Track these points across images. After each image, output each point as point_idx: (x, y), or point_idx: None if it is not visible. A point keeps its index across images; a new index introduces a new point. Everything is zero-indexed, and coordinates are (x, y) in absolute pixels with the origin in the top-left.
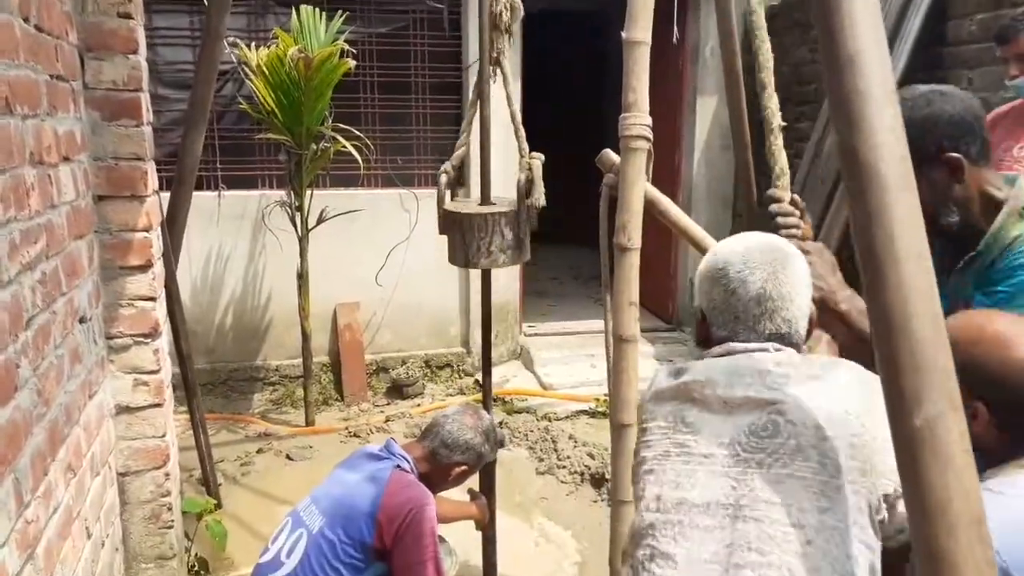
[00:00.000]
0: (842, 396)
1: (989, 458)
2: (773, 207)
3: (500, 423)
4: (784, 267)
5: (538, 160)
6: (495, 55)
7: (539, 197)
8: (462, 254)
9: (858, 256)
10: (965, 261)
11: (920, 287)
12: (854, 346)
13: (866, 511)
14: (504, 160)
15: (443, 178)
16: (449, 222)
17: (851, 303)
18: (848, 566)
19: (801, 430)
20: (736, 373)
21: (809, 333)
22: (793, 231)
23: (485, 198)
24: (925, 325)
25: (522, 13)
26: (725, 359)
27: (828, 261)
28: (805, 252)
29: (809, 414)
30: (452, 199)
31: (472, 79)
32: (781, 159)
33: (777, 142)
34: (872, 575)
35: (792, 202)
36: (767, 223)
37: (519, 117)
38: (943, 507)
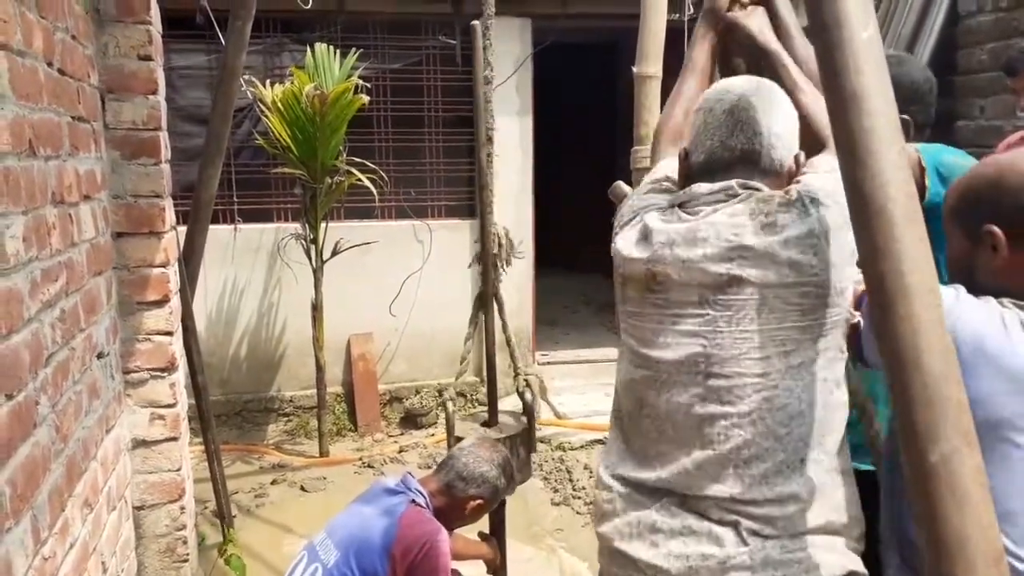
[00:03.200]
0: (800, 239)
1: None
2: None
3: None
4: (760, 88)
5: (535, 377)
6: (493, 291)
7: (538, 415)
8: None
9: (867, 290)
10: None
11: (930, 321)
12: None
13: (836, 334)
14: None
15: (450, 406)
16: None
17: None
18: (813, 391)
19: (764, 281)
20: (694, 238)
21: (795, 172)
22: None
23: (492, 420)
24: (936, 359)
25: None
26: (684, 224)
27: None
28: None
29: (770, 265)
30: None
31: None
32: None
33: None
34: (839, 384)
35: None
36: None
37: (514, 342)
38: (961, 544)
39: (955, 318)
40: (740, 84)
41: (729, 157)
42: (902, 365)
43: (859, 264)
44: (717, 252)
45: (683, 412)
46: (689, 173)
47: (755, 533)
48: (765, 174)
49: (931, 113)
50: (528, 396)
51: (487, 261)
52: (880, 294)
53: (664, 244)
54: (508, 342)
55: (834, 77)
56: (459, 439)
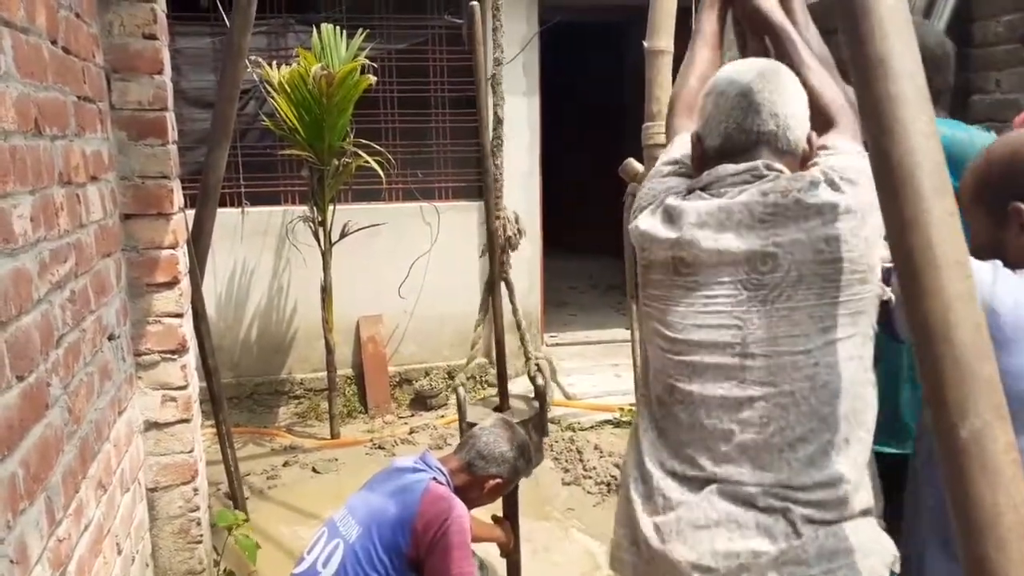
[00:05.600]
0: (834, 215)
1: None
2: None
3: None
4: (771, 69)
5: (545, 361)
6: (504, 275)
7: (550, 400)
8: None
9: (894, 263)
10: None
11: (960, 294)
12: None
13: (870, 311)
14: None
15: (461, 391)
16: None
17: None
18: (852, 369)
19: (800, 259)
20: (726, 217)
21: (809, 154)
22: None
23: (503, 405)
24: (967, 333)
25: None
26: (714, 202)
27: None
28: None
29: (807, 240)
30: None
31: (490, 92)
32: None
33: None
34: (871, 364)
35: None
36: None
37: (524, 326)
38: (992, 521)
39: (993, 292)
40: (750, 66)
41: (746, 140)
42: (932, 340)
43: (886, 237)
44: (749, 230)
45: (720, 397)
46: (704, 157)
47: (808, 520)
48: (783, 155)
49: (947, 80)
50: (540, 380)
51: (493, 246)
52: (908, 267)
53: (693, 224)
54: (519, 326)
55: (859, 44)
56: (471, 425)
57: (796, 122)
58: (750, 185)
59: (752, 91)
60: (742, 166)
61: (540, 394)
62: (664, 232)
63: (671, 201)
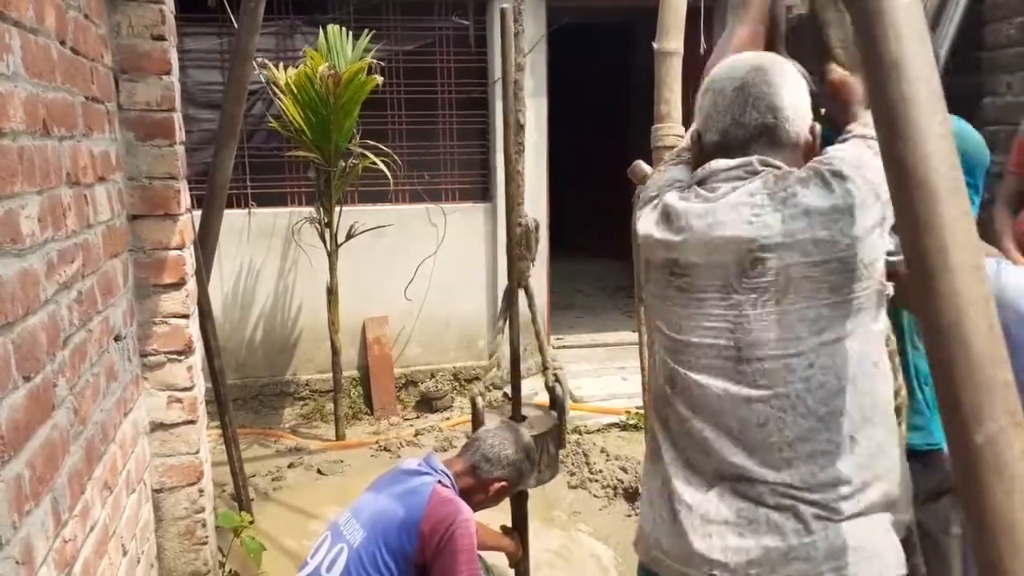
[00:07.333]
0: (822, 215)
1: None
2: None
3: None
4: (772, 64)
5: (562, 371)
6: (522, 283)
7: (568, 410)
8: None
9: (908, 267)
10: None
11: (975, 298)
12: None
13: (869, 307)
14: None
15: (479, 401)
16: None
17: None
18: (852, 367)
19: (789, 262)
20: (714, 220)
21: (812, 145)
22: None
23: (516, 413)
24: (982, 338)
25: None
26: (705, 205)
27: None
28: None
29: (794, 243)
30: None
31: (498, 94)
32: None
33: None
34: (880, 357)
35: None
36: None
37: (543, 335)
38: (1008, 528)
39: (999, 290)
40: (747, 60)
41: (744, 134)
42: (945, 344)
43: (901, 239)
44: (737, 234)
45: (719, 395)
46: (703, 154)
47: (817, 517)
48: (783, 148)
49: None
50: (558, 391)
51: (512, 253)
52: (922, 270)
53: (684, 228)
54: (537, 335)
55: (873, 45)
56: None
57: (796, 113)
58: (743, 182)
59: (749, 84)
60: (735, 161)
61: (559, 405)
62: (659, 234)
63: (669, 199)
